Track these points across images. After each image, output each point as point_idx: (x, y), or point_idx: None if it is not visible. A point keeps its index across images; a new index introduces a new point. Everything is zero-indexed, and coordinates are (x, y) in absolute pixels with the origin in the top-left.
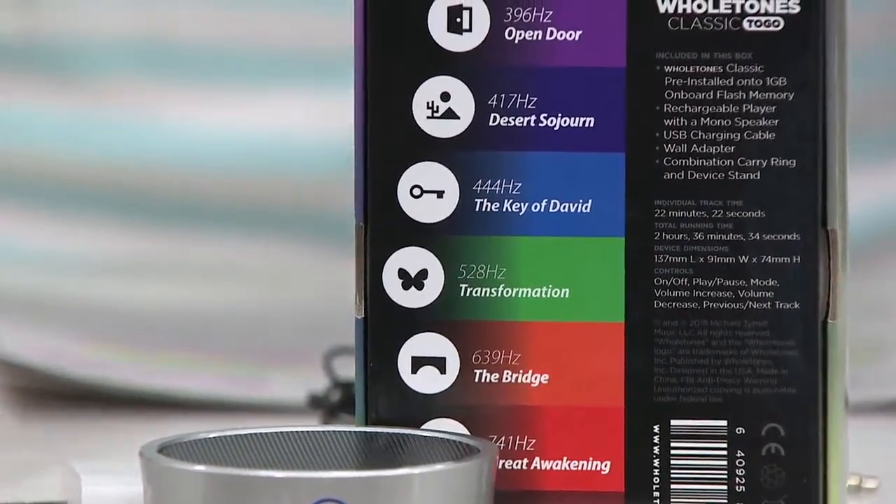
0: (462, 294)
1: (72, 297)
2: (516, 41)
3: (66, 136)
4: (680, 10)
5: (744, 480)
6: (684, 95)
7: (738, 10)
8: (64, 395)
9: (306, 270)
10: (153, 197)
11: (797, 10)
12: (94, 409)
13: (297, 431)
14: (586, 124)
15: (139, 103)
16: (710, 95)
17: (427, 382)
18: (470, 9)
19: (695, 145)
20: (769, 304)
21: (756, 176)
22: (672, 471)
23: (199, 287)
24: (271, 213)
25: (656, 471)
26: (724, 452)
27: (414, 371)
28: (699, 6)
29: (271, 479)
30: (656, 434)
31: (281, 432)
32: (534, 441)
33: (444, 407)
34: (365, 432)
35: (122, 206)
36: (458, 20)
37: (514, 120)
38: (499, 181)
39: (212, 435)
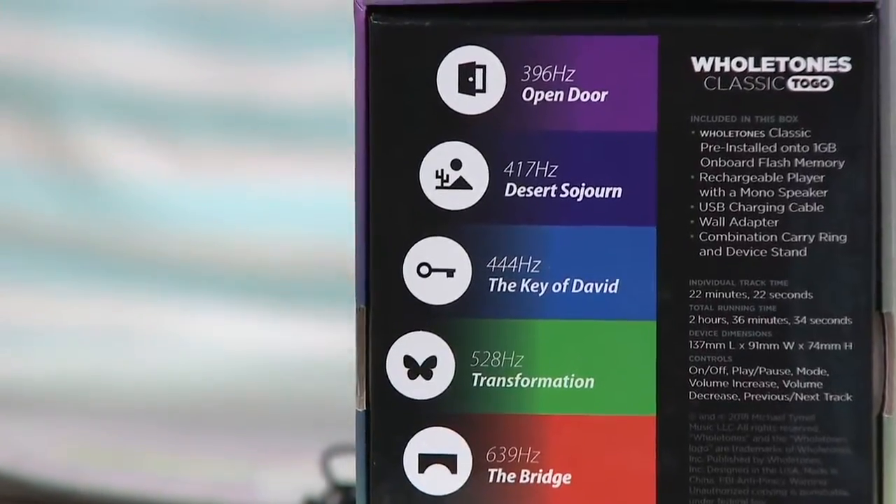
0: (475, 384)
1: (39, 391)
2: (535, 103)
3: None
4: (717, 69)
5: None
6: (722, 163)
7: (781, 69)
8: (30, 502)
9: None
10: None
11: (848, 68)
12: None
13: None
14: (613, 195)
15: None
16: (750, 163)
17: (436, 483)
18: (484, 67)
19: (734, 219)
20: (817, 395)
21: (802, 253)
22: None
23: (181, 378)
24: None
25: None
26: None
27: (421, 470)
28: (738, 64)
29: None
30: None
31: None
32: None
33: None
34: None
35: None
36: (471, 79)
37: (533, 190)
38: (516, 258)
39: None
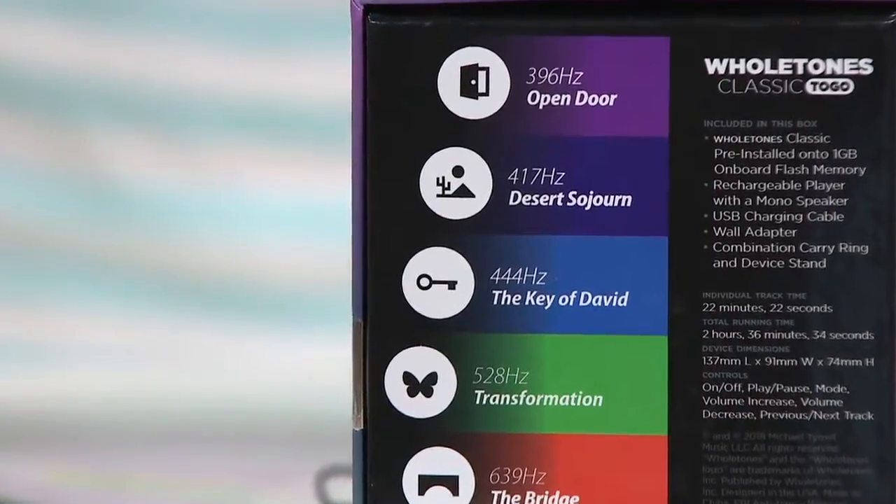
0: (477, 402)
1: (20, 409)
2: (541, 107)
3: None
4: (732, 71)
5: None
6: (737, 170)
7: (799, 71)
8: None
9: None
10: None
11: (869, 70)
12: None
13: None
14: (623, 203)
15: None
16: (767, 170)
17: None
18: (487, 69)
19: (750, 228)
20: (837, 414)
21: (821, 264)
22: None
23: (171, 397)
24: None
25: None
26: None
27: (421, 492)
28: (754, 66)
29: None
30: None
31: None
32: None
33: None
34: None
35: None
36: (474, 82)
37: (539, 198)
38: (520, 270)
39: None
